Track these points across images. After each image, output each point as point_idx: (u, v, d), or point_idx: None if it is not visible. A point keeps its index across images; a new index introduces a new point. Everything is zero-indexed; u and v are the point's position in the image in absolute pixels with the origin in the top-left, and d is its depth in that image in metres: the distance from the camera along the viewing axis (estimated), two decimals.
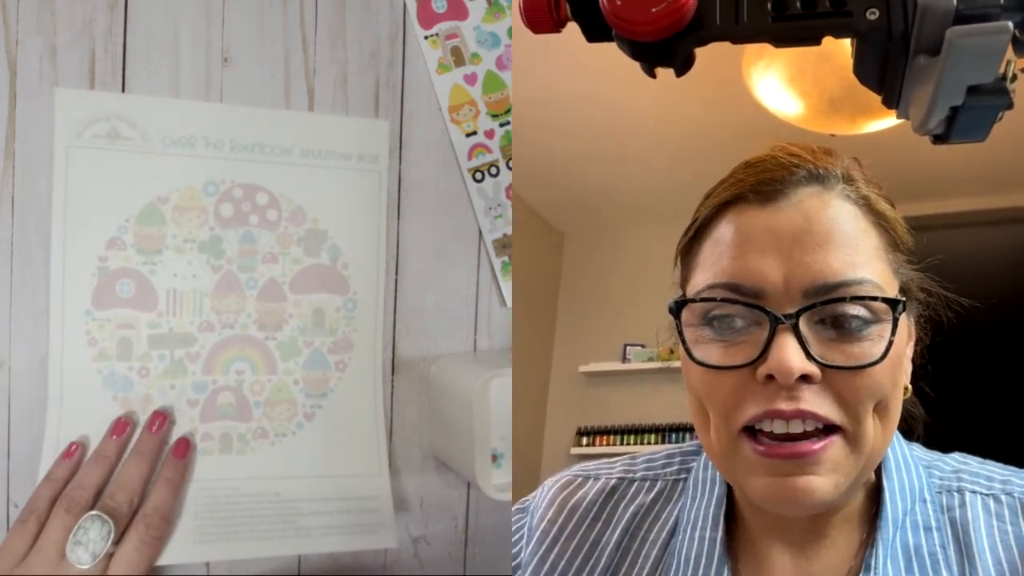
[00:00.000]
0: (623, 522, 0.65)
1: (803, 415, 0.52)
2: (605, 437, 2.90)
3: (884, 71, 0.49)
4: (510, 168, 0.91)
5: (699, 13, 0.47)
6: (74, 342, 0.85)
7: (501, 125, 0.91)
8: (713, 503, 0.62)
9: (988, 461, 0.62)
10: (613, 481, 0.68)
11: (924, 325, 0.60)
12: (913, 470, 0.60)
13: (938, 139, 0.47)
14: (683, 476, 0.66)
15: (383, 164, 0.92)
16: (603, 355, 2.90)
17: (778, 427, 0.53)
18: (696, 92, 2.04)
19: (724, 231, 0.57)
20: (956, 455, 0.63)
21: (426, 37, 0.89)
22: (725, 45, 0.49)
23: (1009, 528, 0.56)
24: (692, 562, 0.60)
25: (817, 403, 0.52)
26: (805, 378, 0.52)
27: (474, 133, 0.91)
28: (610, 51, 0.52)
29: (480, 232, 0.91)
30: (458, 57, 0.90)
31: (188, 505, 0.85)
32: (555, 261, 3.15)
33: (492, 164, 0.91)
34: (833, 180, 0.57)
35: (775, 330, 0.53)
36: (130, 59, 0.87)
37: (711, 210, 0.59)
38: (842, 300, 0.53)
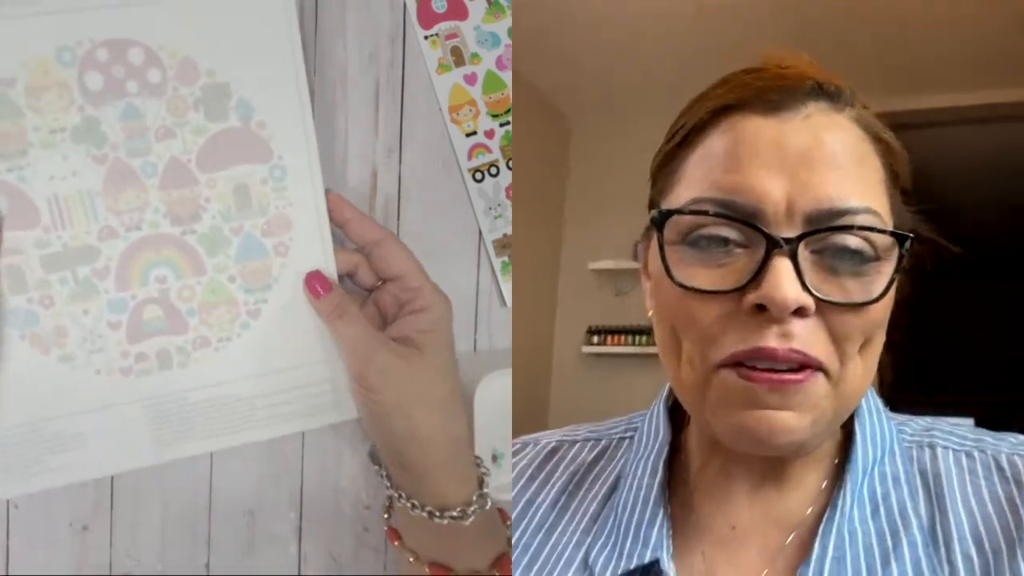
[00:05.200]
0: (560, 481, 0.62)
1: (794, 355, 0.48)
2: (617, 336, 2.81)
3: None
4: (510, 168, 0.90)
5: None
6: None
7: (501, 125, 0.90)
8: (654, 451, 0.59)
9: (958, 423, 0.60)
10: (552, 444, 0.65)
11: (905, 273, 0.54)
12: (885, 422, 0.58)
13: None
14: (629, 435, 0.64)
15: None
16: (614, 252, 2.70)
17: (762, 365, 0.49)
18: None
19: (718, 141, 0.52)
20: (926, 418, 0.61)
21: (426, 37, 0.87)
22: None
23: (983, 483, 0.54)
24: (628, 510, 0.57)
25: (809, 341, 0.49)
26: (798, 311, 0.48)
27: (474, 133, 0.89)
28: None
29: (480, 232, 0.90)
30: (458, 57, 0.88)
31: (139, 421, 0.76)
32: (562, 150, 2.91)
33: (492, 164, 0.90)
34: (843, 100, 0.52)
35: (770, 254, 0.48)
36: None
37: (705, 115, 0.53)
38: (848, 228, 0.49)
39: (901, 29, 2.06)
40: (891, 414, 0.60)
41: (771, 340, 0.48)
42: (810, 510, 0.56)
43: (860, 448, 0.56)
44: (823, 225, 0.49)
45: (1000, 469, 0.55)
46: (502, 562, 0.78)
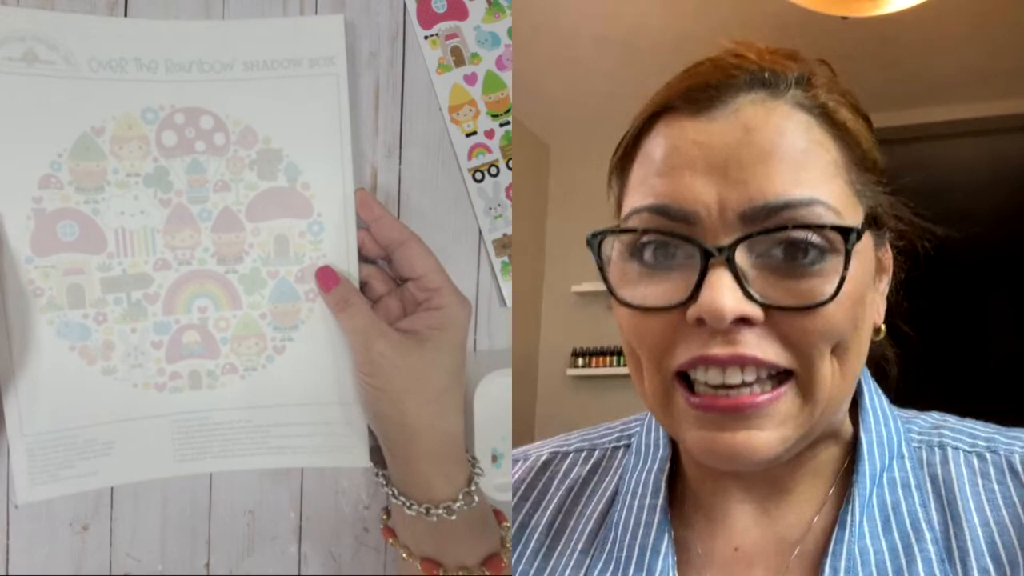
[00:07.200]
0: (555, 500, 0.60)
1: (741, 360, 0.47)
2: (601, 358, 2.83)
3: None
4: (510, 168, 0.90)
5: None
6: (17, 295, 0.78)
7: (501, 125, 0.90)
8: (655, 467, 0.57)
9: (968, 419, 0.57)
10: (545, 456, 0.63)
11: (898, 256, 0.54)
12: (892, 422, 0.56)
13: None
14: (624, 444, 0.62)
15: (339, 66, 0.84)
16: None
17: (712, 376, 0.48)
18: None
19: (654, 146, 0.51)
20: (934, 413, 0.58)
21: (426, 37, 0.88)
22: None
23: (996, 487, 0.52)
24: (630, 532, 0.55)
25: (759, 347, 0.47)
26: (744, 321, 0.47)
27: (474, 133, 0.89)
28: None
29: (480, 232, 0.90)
30: (458, 57, 0.89)
31: (164, 434, 0.84)
32: (541, 176, 2.96)
33: (492, 164, 0.90)
34: (783, 85, 0.50)
35: (707, 265, 0.47)
36: None
37: (640, 122, 0.53)
38: (783, 228, 0.46)
39: (907, 44, 2.05)
40: (899, 410, 0.58)
41: (714, 348, 0.47)
42: (816, 521, 0.54)
43: (867, 457, 0.53)
44: (760, 223, 0.47)
45: (1014, 472, 0.52)
46: (493, 561, 0.79)
